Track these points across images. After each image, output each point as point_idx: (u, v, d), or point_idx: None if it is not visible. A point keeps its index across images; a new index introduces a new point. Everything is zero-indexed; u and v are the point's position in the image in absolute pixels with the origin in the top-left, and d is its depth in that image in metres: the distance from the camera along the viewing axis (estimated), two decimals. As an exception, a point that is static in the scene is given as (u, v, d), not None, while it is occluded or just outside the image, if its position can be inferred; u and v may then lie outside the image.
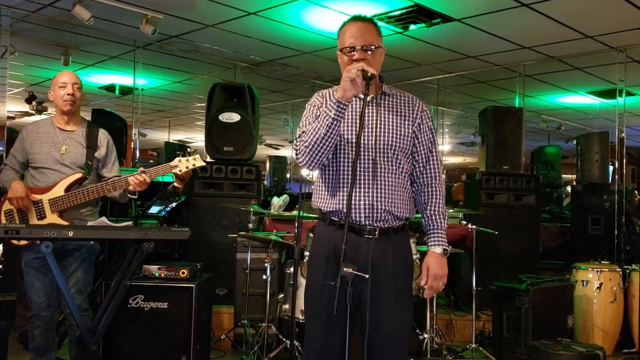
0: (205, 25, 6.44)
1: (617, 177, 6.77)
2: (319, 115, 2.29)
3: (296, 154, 2.38)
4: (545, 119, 10.62)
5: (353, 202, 2.34)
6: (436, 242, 2.47)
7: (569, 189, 9.16)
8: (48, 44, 7.25)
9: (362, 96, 2.23)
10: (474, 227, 4.62)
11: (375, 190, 2.36)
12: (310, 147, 2.29)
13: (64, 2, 5.66)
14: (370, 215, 2.35)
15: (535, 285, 4.42)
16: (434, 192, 2.49)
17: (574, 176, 7.55)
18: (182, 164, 3.36)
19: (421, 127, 2.49)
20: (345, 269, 2.05)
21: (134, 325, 3.74)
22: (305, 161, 2.33)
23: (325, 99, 2.44)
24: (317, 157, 2.31)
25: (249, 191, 5.42)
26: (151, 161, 14.61)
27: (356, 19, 2.41)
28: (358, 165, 2.35)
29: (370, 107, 2.42)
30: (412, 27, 6.13)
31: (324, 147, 2.28)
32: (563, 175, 9.92)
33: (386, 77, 8.22)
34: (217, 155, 5.47)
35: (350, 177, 2.32)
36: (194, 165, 3.37)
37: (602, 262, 5.06)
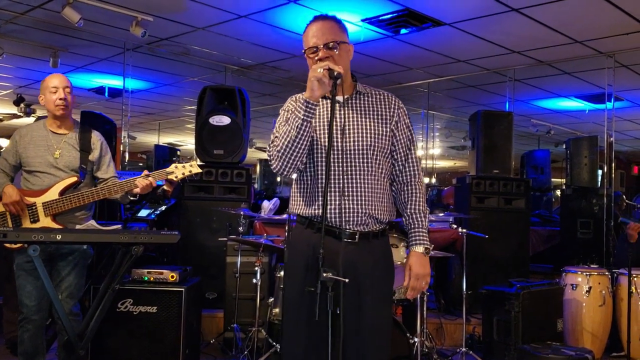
0: (196, 28, 6.43)
1: (606, 181, 6.81)
2: (289, 119, 2.25)
3: (269, 160, 2.33)
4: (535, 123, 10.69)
5: (332, 206, 2.30)
6: (418, 241, 2.41)
7: (558, 192, 9.21)
8: (37, 46, 7.21)
9: (338, 98, 2.19)
10: (464, 230, 4.63)
11: (353, 193, 2.31)
12: (282, 151, 2.24)
13: (53, 4, 5.63)
14: (350, 219, 2.31)
15: (525, 289, 4.43)
16: (414, 191, 2.45)
17: (564, 180, 7.59)
18: (179, 170, 3.35)
19: (398, 125, 2.44)
20: (324, 274, 2.03)
21: (122, 330, 3.72)
22: (278, 166, 2.28)
23: (298, 102, 2.38)
24: (290, 162, 2.26)
25: (239, 194, 5.41)
26: (140, 164, 14.55)
27: (317, 18, 2.35)
28: (335, 167, 2.30)
29: (345, 108, 2.37)
30: (403, 30, 6.14)
31: (296, 150, 2.24)
32: (552, 179, 9.97)
33: (377, 80, 8.21)
34: (207, 158, 5.44)
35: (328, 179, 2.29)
36: (190, 171, 3.37)
37: (591, 265, 5.08)
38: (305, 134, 2.22)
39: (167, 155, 10.04)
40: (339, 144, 2.32)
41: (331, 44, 2.28)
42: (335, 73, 2.15)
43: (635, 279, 4.69)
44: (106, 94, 9.69)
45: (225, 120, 5.42)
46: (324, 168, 2.30)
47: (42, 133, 3.42)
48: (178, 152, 10.98)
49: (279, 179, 12.31)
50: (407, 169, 2.46)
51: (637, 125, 11.55)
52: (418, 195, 2.45)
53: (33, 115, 10.35)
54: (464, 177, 6.06)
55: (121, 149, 7.45)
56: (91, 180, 3.50)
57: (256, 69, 8.25)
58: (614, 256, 6.29)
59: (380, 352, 2.35)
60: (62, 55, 7.34)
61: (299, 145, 2.23)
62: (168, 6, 5.72)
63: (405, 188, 2.46)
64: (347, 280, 2.12)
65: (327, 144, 2.28)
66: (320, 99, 2.29)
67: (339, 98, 2.34)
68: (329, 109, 2.29)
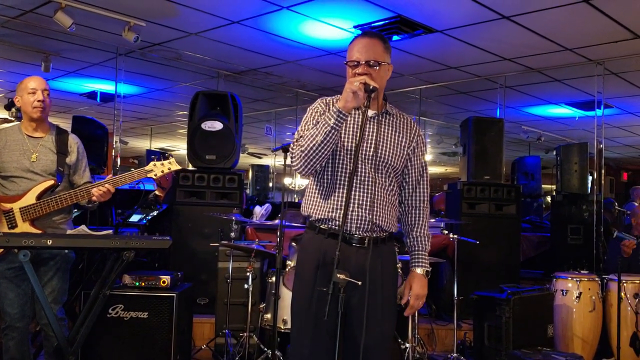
0: (188, 33, 6.43)
1: (595, 187, 6.86)
2: (318, 122, 2.32)
3: (291, 158, 2.41)
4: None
5: (344, 211, 2.35)
6: (419, 264, 2.54)
7: (548, 199, 9.26)
8: (29, 50, 7.18)
9: (363, 109, 2.27)
10: (455, 236, 4.65)
11: (365, 202, 2.40)
12: (305, 152, 2.31)
13: (46, 9, 5.62)
14: (360, 225, 2.40)
15: (515, 294, 4.44)
16: (421, 215, 2.57)
17: (554, 186, 7.64)
18: (157, 168, 3.34)
19: (415, 151, 2.55)
20: (338, 275, 2.08)
21: (113, 336, 3.70)
22: (299, 165, 2.36)
23: (328, 106, 2.46)
24: (311, 164, 2.34)
25: (231, 200, 5.40)
26: (132, 169, 14.51)
27: (366, 34, 2.46)
28: (354, 177, 2.39)
29: (373, 123, 2.47)
30: (395, 37, 6.18)
31: (319, 154, 2.31)
32: (543, 186, 10.03)
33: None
34: (199, 163, 5.44)
35: (345, 186, 2.38)
36: (169, 169, 3.35)
37: (582, 271, 5.11)
38: (331, 140, 2.29)
39: (152, 156, 10.00)
40: (361, 155, 2.41)
41: (372, 62, 2.37)
42: (371, 87, 2.24)
43: (625, 284, 4.72)
44: (98, 98, 9.66)
45: (217, 125, 5.42)
46: (343, 173, 2.41)
47: (17, 137, 3.35)
48: (170, 156, 10.96)
49: (270, 184, 12.33)
50: (417, 194, 2.58)
51: (627, 132, 11.65)
52: (424, 220, 2.58)
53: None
54: (455, 183, 6.09)
55: (113, 153, 7.42)
56: (69, 183, 3.44)
57: (248, 75, 8.26)
58: (604, 262, 6.33)
59: (383, 355, 2.43)
60: (54, 60, 7.32)
61: (323, 150, 2.31)
62: (160, 11, 5.72)
63: (413, 212, 2.57)
64: (360, 283, 2.21)
65: (350, 151, 2.40)
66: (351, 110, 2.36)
67: (369, 112, 2.43)
68: (357, 119, 2.43)
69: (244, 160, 12.84)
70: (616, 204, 8.70)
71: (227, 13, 5.74)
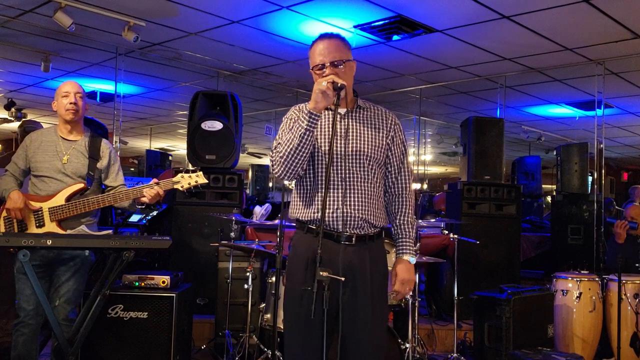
0: (188, 33, 6.43)
1: (596, 187, 6.86)
2: (292, 127, 2.36)
3: (272, 165, 2.44)
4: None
5: (331, 210, 2.41)
6: (405, 250, 2.57)
7: (549, 199, 9.26)
8: (29, 50, 7.18)
9: (333, 107, 2.29)
10: (455, 236, 4.65)
11: (351, 199, 2.42)
12: (284, 157, 2.35)
13: (45, 8, 5.62)
14: (347, 222, 2.41)
15: (516, 294, 4.44)
16: (404, 202, 2.59)
17: (554, 186, 7.63)
18: (185, 180, 3.35)
19: (394, 139, 2.57)
20: (321, 273, 2.11)
21: (113, 336, 3.70)
22: (280, 171, 2.40)
23: (301, 111, 2.47)
24: (292, 168, 2.37)
25: (231, 200, 5.40)
26: (132, 169, 14.50)
27: (323, 36, 2.47)
28: (334, 174, 2.42)
29: (346, 119, 2.49)
30: (395, 37, 6.18)
31: (298, 157, 2.35)
32: (543, 186, 10.03)
33: (369, 86, 8.22)
34: (199, 163, 5.43)
35: (328, 186, 2.38)
36: (196, 182, 3.36)
37: (582, 271, 5.11)
38: (307, 142, 2.32)
39: (158, 160, 10.02)
40: (339, 153, 2.44)
41: (336, 62, 2.40)
42: (339, 84, 2.26)
43: (625, 284, 4.72)
44: (98, 98, 9.65)
45: (217, 125, 5.42)
46: (324, 175, 2.41)
47: (52, 138, 3.45)
48: (170, 157, 10.97)
49: (270, 184, 12.32)
50: (399, 182, 2.60)
51: (627, 132, 11.65)
52: (408, 207, 2.60)
53: (24, 119, 10.30)
54: (456, 183, 6.08)
55: (112, 153, 7.41)
56: (98, 187, 3.52)
57: (248, 75, 8.26)
58: (604, 262, 6.33)
59: (376, 351, 2.43)
60: (53, 60, 7.32)
61: (301, 153, 2.34)
62: (160, 11, 5.72)
63: (397, 200, 2.60)
64: (343, 278, 2.22)
65: (327, 151, 2.41)
66: (323, 111, 2.37)
67: (341, 110, 2.46)
68: (331, 119, 2.44)
69: (244, 160, 12.85)
70: (615, 203, 8.70)
71: (227, 13, 5.74)
